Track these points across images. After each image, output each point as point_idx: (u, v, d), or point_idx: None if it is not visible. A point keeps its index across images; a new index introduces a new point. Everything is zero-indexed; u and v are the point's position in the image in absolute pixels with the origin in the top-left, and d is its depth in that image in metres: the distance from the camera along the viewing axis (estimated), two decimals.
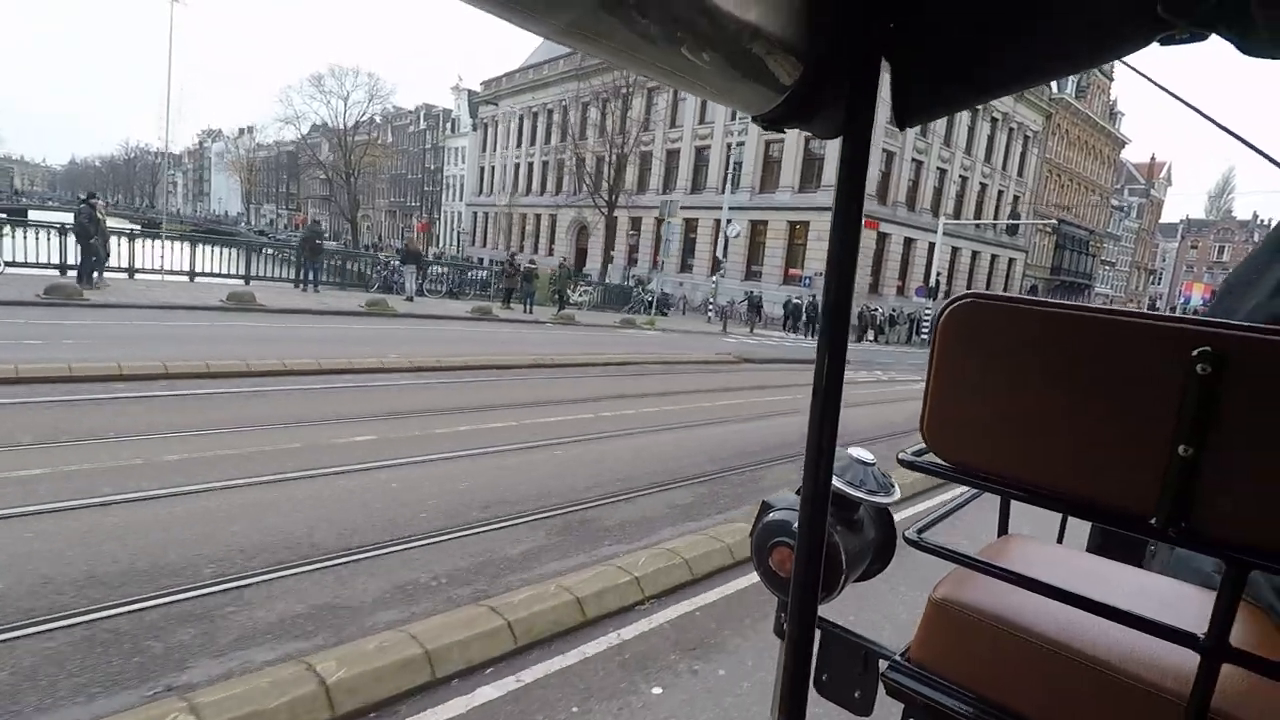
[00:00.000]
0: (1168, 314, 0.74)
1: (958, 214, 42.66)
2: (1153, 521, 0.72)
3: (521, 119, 57.92)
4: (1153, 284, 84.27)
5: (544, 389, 10.53)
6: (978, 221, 42.42)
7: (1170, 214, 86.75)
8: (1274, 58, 0.77)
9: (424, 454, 6.29)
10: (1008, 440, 0.83)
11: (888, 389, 15.45)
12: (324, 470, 5.56)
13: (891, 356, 26.12)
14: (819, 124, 0.98)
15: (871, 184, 39.48)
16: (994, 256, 48.06)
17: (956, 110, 1.08)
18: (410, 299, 19.32)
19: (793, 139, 36.74)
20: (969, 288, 33.59)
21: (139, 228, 19.91)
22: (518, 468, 6.36)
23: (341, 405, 7.92)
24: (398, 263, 20.40)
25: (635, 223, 46.42)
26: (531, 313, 20.65)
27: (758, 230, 39.27)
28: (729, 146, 39.95)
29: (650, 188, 44.60)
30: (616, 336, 18.53)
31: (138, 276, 16.83)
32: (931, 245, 40.81)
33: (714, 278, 29.50)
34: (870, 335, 31.88)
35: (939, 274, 35.25)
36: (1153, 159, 78.11)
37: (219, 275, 18.43)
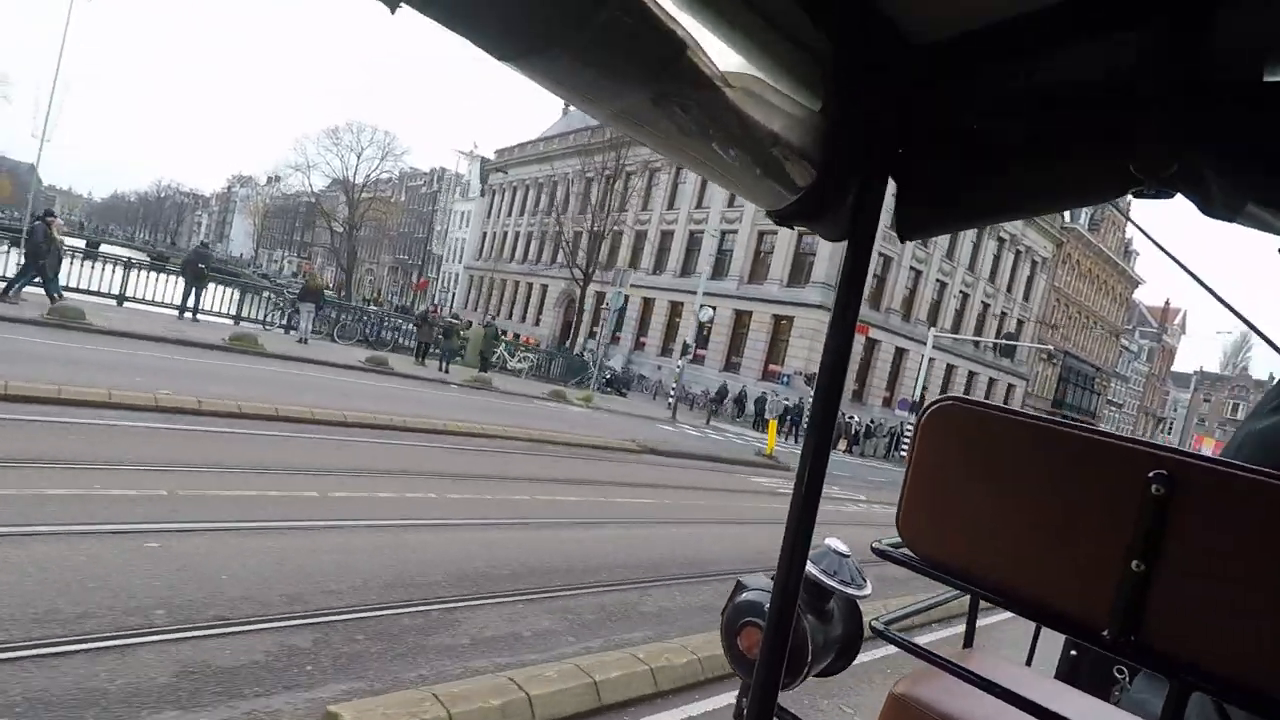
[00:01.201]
0: (1129, 435, 0.76)
1: (956, 330, 40.55)
2: (1105, 634, 0.73)
3: (528, 189, 57.54)
4: (1162, 432, 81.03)
5: (356, 454, 8.15)
6: (969, 338, 40.04)
7: (1182, 364, 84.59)
8: (1229, 220, 0.87)
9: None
10: (977, 541, 0.84)
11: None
12: None
13: (872, 474, 23.24)
14: (826, 227, 1.06)
15: (865, 286, 38.27)
16: (992, 379, 45.58)
17: (952, 230, 1.21)
18: (303, 341, 16.95)
19: (786, 233, 35.16)
20: None
21: (146, 258, 21.05)
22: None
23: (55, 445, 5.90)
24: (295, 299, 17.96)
25: (648, 305, 44.57)
26: (447, 372, 18.22)
27: (742, 320, 37.24)
28: (721, 234, 38.68)
29: (641, 267, 43.07)
30: (525, 408, 15.96)
31: (126, 305, 16.34)
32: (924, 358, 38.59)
33: (679, 361, 27.05)
34: (842, 445, 28.95)
35: (925, 388, 32.66)
36: (1167, 304, 76.57)
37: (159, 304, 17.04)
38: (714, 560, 7.31)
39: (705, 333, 38.54)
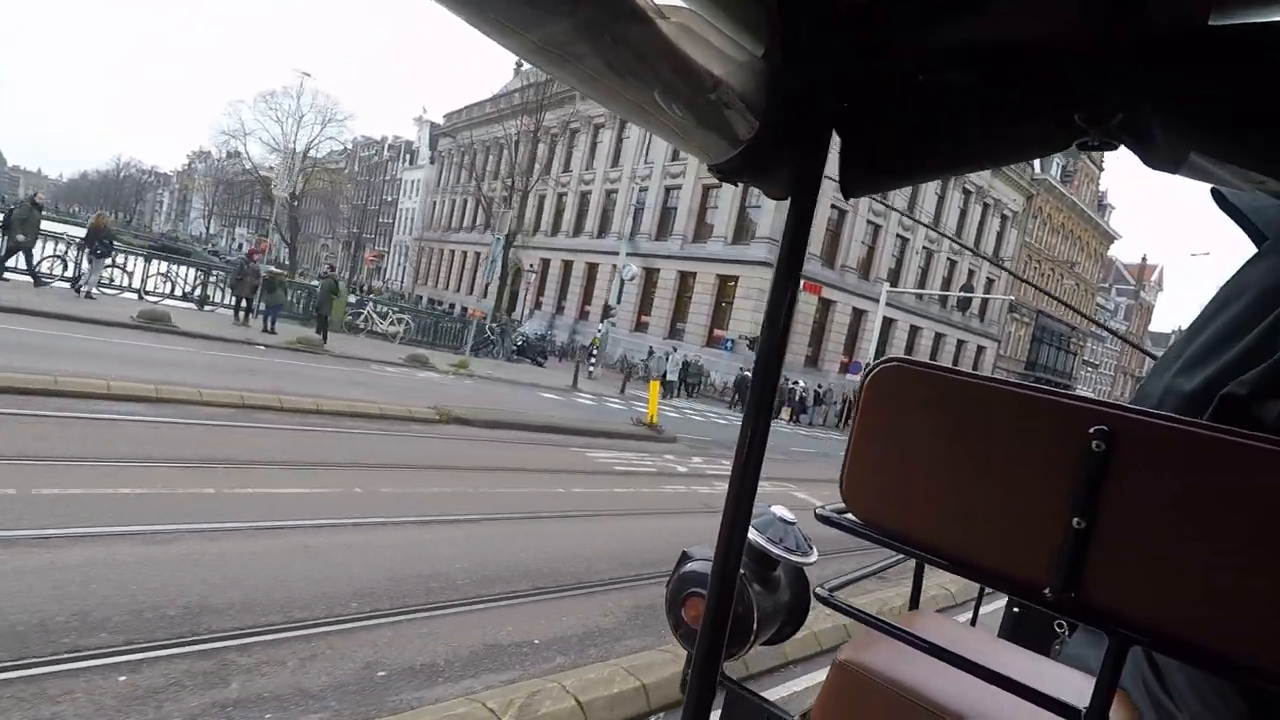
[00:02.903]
0: (1070, 392, 0.74)
1: (921, 288, 37.93)
2: (1046, 592, 0.73)
3: (475, 153, 54.20)
4: None
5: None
6: (919, 291, 37.38)
7: (1161, 322, 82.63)
8: (1172, 171, 0.88)
9: None
10: (920, 504, 0.83)
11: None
12: None
13: (809, 444, 20.63)
14: (770, 182, 1.04)
15: (816, 242, 35.74)
16: (961, 342, 43.10)
17: (899, 186, 1.13)
18: (88, 294, 13.95)
19: (730, 187, 32.17)
20: None
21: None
22: None
23: None
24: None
25: (568, 267, 41.97)
26: (273, 331, 15.28)
27: (686, 282, 34.42)
28: (666, 190, 35.83)
29: (561, 230, 40.51)
30: (344, 374, 13.06)
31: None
32: (887, 320, 35.93)
33: (601, 325, 24.27)
34: (785, 414, 26.27)
35: (880, 351, 30.07)
36: (1144, 261, 74.15)
37: None
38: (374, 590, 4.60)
39: (649, 297, 35.85)
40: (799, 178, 0.99)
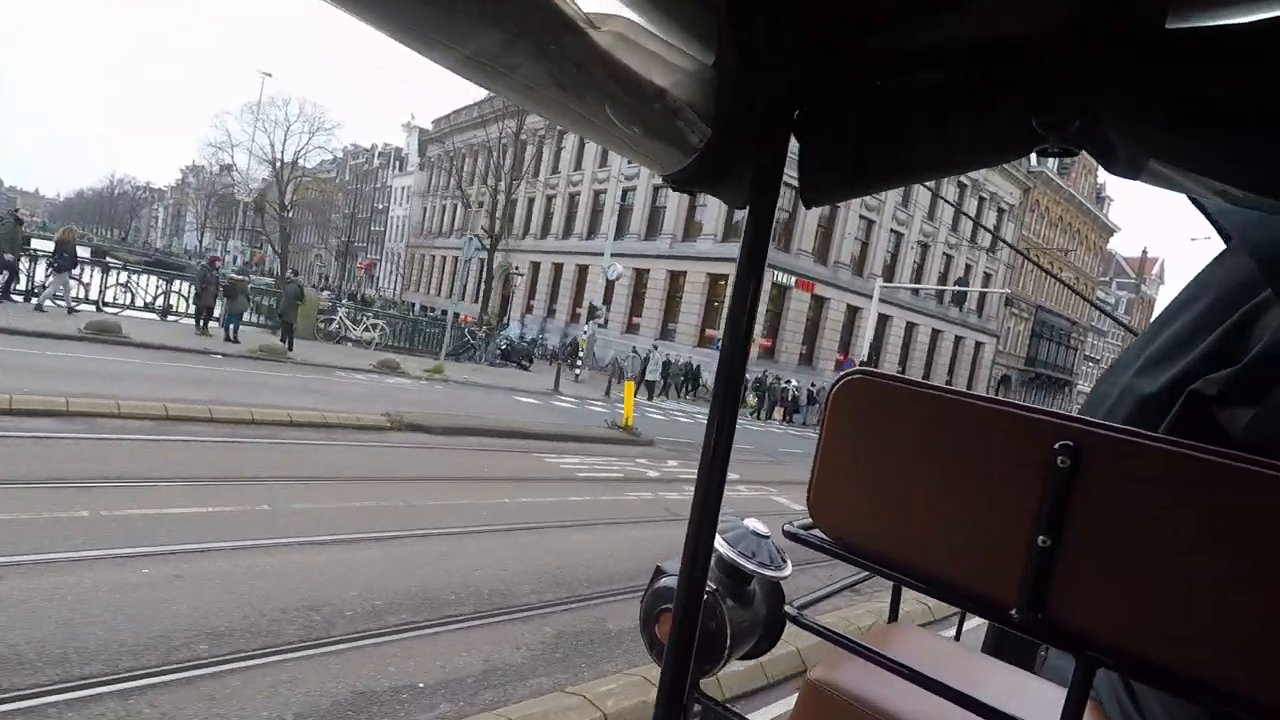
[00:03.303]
0: (1036, 406, 0.73)
1: (917, 284, 37.22)
2: (1013, 613, 0.71)
3: (464, 157, 53.64)
4: None
5: None
6: (914, 286, 36.63)
7: None
8: (1133, 178, 0.85)
9: None
10: (888, 521, 0.81)
11: None
12: None
13: (795, 444, 19.96)
14: (727, 191, 1.02)
15: (809, 239, 35.06)
16: (959, 338, 42.38)
17: (859, 195, 1.10)
18: (38, 307, 13.34)
19: None
20: (927, 369, 27.59)
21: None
22: None
23: None
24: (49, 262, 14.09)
25: (558, 269, 41.42)
26: (235, 340, 14.64)
27: (677, 282, 33.77)
28: (654, 190, 35.21)
29: (551, 233, 40.03)
30: (311, 382, 12.45)
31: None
32: (882, 317, 35.24)
33: (586, 327, 23.58)
34: (778, 415, 25.55)
35: (873, 346, 29.43)
36: (1144, 254, 73.24)
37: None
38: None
39: (639, 298, 35.22)
40: (757, 184, 0.97)
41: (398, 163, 69.18)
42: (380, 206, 72.72)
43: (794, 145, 0.98)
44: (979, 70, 0.85)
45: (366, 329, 19.65)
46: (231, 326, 14.76)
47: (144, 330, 13.63)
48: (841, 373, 0.83)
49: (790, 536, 0.93)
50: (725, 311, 0.98)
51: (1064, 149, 0.83)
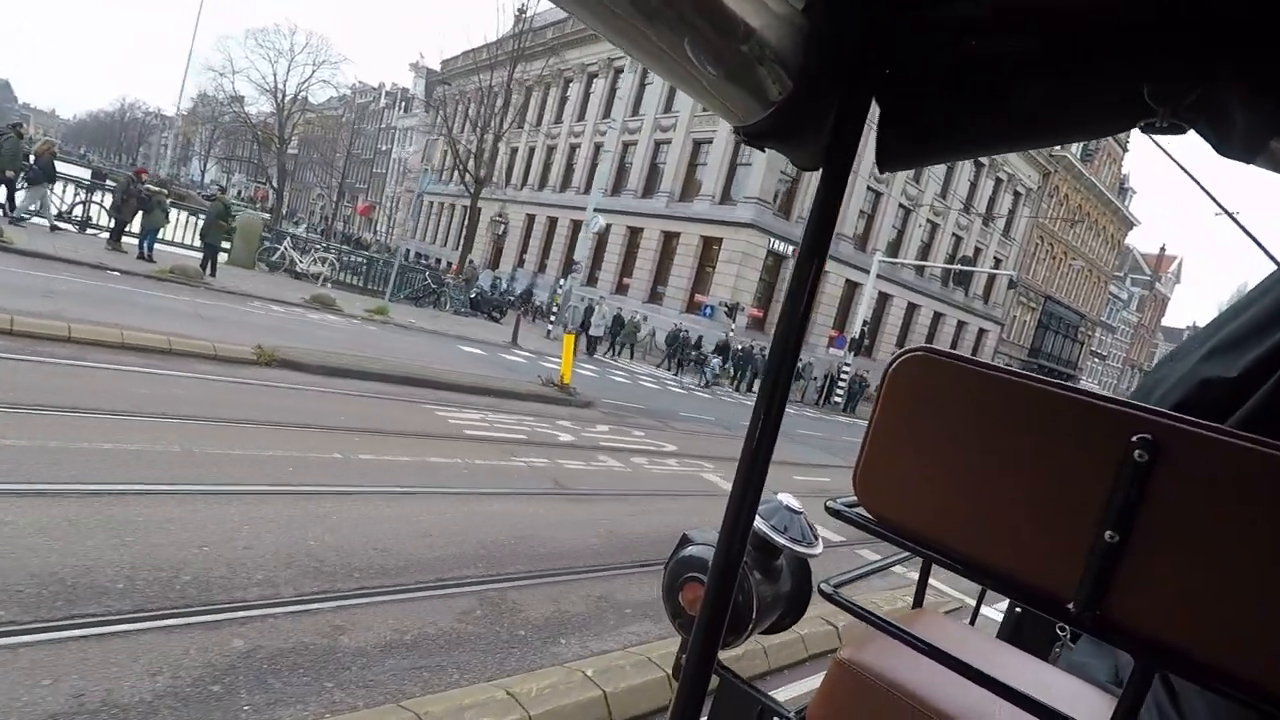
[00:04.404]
0: (1112, 395, 0.70)
1: (923, 262, 35.66)
2: (1070, 607, 0.69)
3: (469, 102, 51.72)
4: None
5: None
6: (917, 263, 35.06)
7: (1175, 316, 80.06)
8: (1246, 160, 0.78)
9: None
10: (937, 503, 0.79)
11: None
12: None
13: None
14: (799, 150, 0.98)
15: (808, 206, 33.50)
16: (962, 323, 40.92)
17: (938, 162, 1.09)
18: (14, 221, 12.30)
19: (721, 143, 29.93)
20: None
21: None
22: None
23: None
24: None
25: (552, 223, 40.03)
26: (149, 259, 13.30)
27: (670, 243, 32.31)
28: (655, 145, 33.61)
29: (548, 185, 38.50)
30: (205, 309, 11.13)
31: None
32: (883, 295, 33.79)
33: (563, 282, 22.27)
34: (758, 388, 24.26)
35: (867, 323, 28.06)
36: (1162, 251, 71.05)
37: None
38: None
39: (632, 258, 33.82)
40: (833, 148, 0.92)
41: (403, 104, 67.23)
42: (384, 148, 70.94)
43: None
44: (1086, 34, 0.78)
45: (315, 261, 18.33)
46: (146, 244, 13.46)
47: (41, 241, 12.44)
48: (901, 350, 0.79)
49: (833, 513, 0.91)
50: (786, 287, 0.94)
51: (1173, 124, 0.75)
